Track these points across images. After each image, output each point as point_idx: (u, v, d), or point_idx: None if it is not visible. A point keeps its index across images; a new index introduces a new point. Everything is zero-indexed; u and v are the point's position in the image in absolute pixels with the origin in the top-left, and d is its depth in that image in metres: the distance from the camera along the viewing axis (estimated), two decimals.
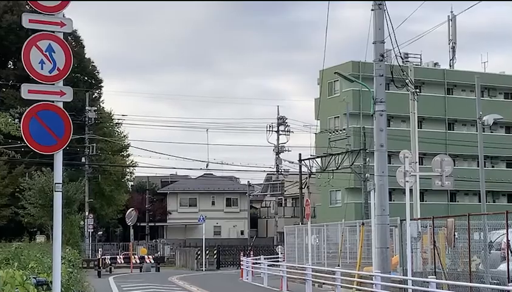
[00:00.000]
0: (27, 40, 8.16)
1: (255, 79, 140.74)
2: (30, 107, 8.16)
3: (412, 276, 19.87)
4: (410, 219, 21.24)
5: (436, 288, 17.00)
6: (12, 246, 17.58)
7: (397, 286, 19.97)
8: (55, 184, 8.24)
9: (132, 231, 56.05)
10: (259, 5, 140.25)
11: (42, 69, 8.12)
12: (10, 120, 20.56)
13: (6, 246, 20.11)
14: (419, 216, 25.62)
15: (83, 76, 59.80)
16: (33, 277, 8.57)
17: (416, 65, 54.72)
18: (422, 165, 36.09)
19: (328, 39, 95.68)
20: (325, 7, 23.04)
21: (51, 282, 8.43)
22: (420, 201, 28.30)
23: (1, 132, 20.73)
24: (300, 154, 55.34)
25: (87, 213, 54.43)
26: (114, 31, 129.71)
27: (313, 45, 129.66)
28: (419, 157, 29.29)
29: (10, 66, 57.12)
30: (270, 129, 64.06)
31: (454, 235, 19.64)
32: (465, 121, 63.51)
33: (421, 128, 47.89)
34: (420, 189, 28.40)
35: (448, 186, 22.09)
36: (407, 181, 20.81)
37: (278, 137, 64.48)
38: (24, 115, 8.15)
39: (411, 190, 23.39)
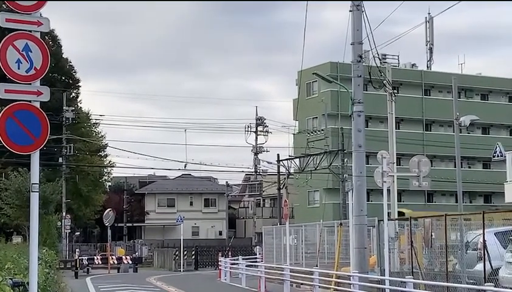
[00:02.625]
0: (4, 39, 8.08)
1: (237, 80, 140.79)
2: (7, 107, 8.10)
3: (390, 276, 19.93)
4: (388, 220, 21.33)
5: (414, 287, 17.07)
6: None
7: (375, 286, 20.03)
8: (32, 184, 8.18)
9: (109, 232, 55.78)
10: (242, 6, 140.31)
11: (18, 68, 8.07)
12: None
13: None
14: (396, 217, 25.78)
15: (60, 76, 59.40)
16: (10, 278, 8.51)
17: (393, 66, 54.93)
18: (399, 165, 36.17)
19: (311, 41, 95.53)
20: (308, 9, 23.03)
21: (27, 283, 8.38)
22: (398, 201, 28.45)
23: None
24: (278, 155, 55.64)
25: (64, 214, 54.13)
26: (95, 31, 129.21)
27: (296, 46, 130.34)
28: (396, 157, 29.41)
29: None
30: (249, 130, 64.11)
31: (431, 235, 19.75)
32: (442, 122, 63.91)
33: (398, 129, 48.13)
34: (398, 189, 28.55)
35: (425, 186, 22.18)
36: (385, 181, 20.87)
37: (256, 138, 64.51)
38: (0, 115, 8.08)
39: (389, 191, 23.50)
